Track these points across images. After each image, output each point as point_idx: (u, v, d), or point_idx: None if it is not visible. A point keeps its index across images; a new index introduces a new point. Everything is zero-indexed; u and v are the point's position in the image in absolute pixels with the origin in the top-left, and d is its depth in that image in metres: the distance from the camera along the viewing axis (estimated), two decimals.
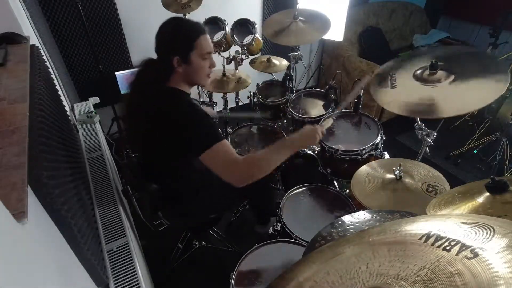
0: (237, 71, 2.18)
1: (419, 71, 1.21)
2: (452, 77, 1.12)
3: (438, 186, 1.15)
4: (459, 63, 1.17)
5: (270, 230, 1.47)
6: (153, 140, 1.26)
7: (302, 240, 1.29)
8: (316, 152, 1.98)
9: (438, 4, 3.88)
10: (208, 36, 1.20)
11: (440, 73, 1.15)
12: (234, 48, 2.18)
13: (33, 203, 0.66)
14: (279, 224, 1.42)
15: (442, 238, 0.40)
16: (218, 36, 2.13)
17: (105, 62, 2.52)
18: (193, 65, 1.19)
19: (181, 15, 2.20)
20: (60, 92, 1.63)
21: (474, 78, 1.07)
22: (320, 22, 1.91)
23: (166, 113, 1.16)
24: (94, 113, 1.89)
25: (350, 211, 1.42)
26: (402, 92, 1.21)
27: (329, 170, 1.71)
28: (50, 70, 1.53)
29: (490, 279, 0.31)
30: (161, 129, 1.18)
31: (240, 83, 2.12)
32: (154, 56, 1.24)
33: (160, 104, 1.17)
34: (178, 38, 1.16)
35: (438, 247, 0.39)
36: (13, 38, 1.21)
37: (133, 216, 1.67)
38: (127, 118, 1.36)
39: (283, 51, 2.62)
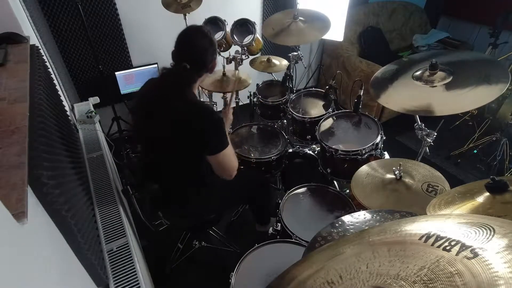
0: (237, 71, 2.18)
1: (419, 72, 1.21)
2: (451, 78, 1.12)
3: (438, 186, 1.15)
4: (462, 67, 1.17)
5: (270, 230, 1.47)
6: (170, 143, 1.28)
7: (302, 240, 1.29)
8: (316, 152, 1.98)
9: (438, 4, 3.88)
10: None
11: (439, 74, 1.15)
12: (234, 48, 2.18)
13: (33, 203, 0.66)
14: (279, 224, 1.42)
15: (442, 238, 0.40)
16: (218, 36, 2.13)
17: (105, 62, 2.52)
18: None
19: (181, 15, 2.20)
20: (60, 92, 1.63)
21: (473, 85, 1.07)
22: (320, 22, 1.91)
23: (193, 122, 1.21)
24: (94, 113, 1.89)
25: (350, 211, 1.42)
26: (402, 91, 1.22)
27: (329, 170, 1.71)
28: (50, 70, 1.53)
29: (490, 279, 0.31)
30: (184, 133, 1.22)
31: (240, 83, 2.12)
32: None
33: (189, 113, 1.22)
34: (214, 43, 1.29)
35: (438, 247, 0.39)
36: (13, 38, 1.21)
37: (133, 216, 1.67)
38: (140, 120, 1.36)
39: (283, 51, 2.62)
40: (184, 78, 1.23)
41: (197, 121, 1.21)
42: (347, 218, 0.93)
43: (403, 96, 1.21)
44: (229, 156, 1.30)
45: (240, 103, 2.46)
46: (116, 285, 1.04)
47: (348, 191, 1.75)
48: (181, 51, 1.25)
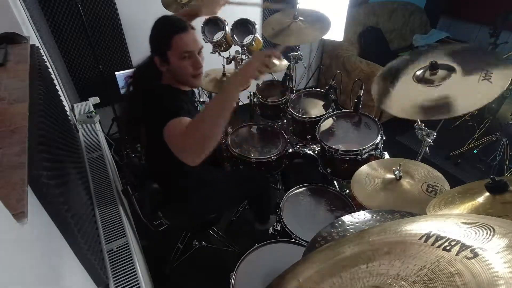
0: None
1: (419, 72, 1.21)
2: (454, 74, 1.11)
3: (438, 186, 1.15)
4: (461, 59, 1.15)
5: (270, 230, 1.47)
6: (149, 139, 1.26)
7: (302, 240, 1.29)
8: (316, 152, 1.98)
9: (438, 4, 3.88)
10: (190, 34, 1.13)
11: (441, 72, 1.14)
12: (234, 48, 2.17)
13: (33, 203, 0.66)
14: (279, 224, 1.42)
15: (442, 238, 0.40)
16: (218, 36, 2.13)
17: (105, 62, 2.52)
18: (173, 64, 1.15)
19: None
20: (60, 92, 1.63)
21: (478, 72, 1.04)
22: (320, 22, 1.91)
23: (152, 109, 1.15)
24: (94, 113, 1.89)
25: (350, 211, 1.42)
26: (407, 95, 1.20)
27: (329, 170, 1.71)
28: (50, 70, 1.53)
29: (490, 279, 0.31)
30: (150, 125, 1.19)
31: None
32: None
33: (150, 100, 1.17)
34: (156, 37, 1.14)
35: (438, 247, 0.39)
36: (13, 38, 1.21)
37: (133, 216, 1.67)
38: (128, 119, 1.37)
39: (283, 51, 2.62)
40: (145, 70, 1.21)
41: (155, 106, 1.13)
42: (347, 218, 0.93)
43: (408, 101, 1.19)
44: (172, 129, 0.98)
45: (240, 103, 2.46)
46: (116, 285, 1.04)
47: (348, 191, 1.75)
48: None
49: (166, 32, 1.12)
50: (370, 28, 3.39)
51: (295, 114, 1.93)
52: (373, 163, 1.34)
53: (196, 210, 1.49)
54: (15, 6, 1.31)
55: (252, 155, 1.80)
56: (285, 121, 2.23)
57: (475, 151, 2.64)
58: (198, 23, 2.08)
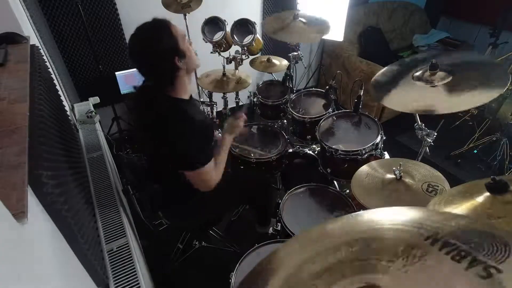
0: (237, 71, 2.18)
1: (419, 72, 1.21)
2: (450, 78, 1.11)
3: (438, 186, 1.15)
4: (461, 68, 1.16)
5: (270, 230, 1.47)
6: (155, 146, 1.27)
7: None
8: (316, 152, 1.98)
9: (438, 4, 3.88)
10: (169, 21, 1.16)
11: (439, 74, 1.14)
12: (234, 48, 2.17)
13: (33, 203, 0.66)
14: (279, 224, 1.42)
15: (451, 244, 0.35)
16: (218, 36, 2.12)
17: (105, 62, 2.52)
18: (187, 54, 1.17)
19: (181, 15, 2.20)
20: (60, 92, 1.63)
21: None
22: (319, 24, 1.89)
23: (166, 125, 1.18)
24: (94, 113, 1.89)
25: (350, 211, 1.42)
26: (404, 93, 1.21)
27: (329, 170, 1.71)
28: (50, 70, 1.53)
29: None
30: (162, 138, 1.20)
31: (240, 83, 2.11)
32: None
33: (162, 115, 1.18)
34: (164, 40, 1.12)
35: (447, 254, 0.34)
36: (13, 38, 1.21)
37: (133, 216, 1.67)
38: (135, 127, 1.38)
39: (283, 51, 2.62)
40: (147, 94, 1.20)
41: (167, 131, 1.16)
42: None
43: (406, 98, 1.20)
44: (206, 174, 1.23)
45: (240, 103, 2.46)
46: (116, 285, 1.04)
47: (348, 191, 1.75)
48: (135, 63, 1.15)
49: (165, 28, 1.13)
50: (370, 28, 3.39)
51: (295, 114, 1.93)
52: (373, 163, 1.34)
53: (197, 211, 1.49)
54: (15, 6, 1.31)
55: (252, 155, 1.80)
56: (285, 121, 2.23)
57: (475, 151, 2.63)
58: (198, 23, 2.09)
